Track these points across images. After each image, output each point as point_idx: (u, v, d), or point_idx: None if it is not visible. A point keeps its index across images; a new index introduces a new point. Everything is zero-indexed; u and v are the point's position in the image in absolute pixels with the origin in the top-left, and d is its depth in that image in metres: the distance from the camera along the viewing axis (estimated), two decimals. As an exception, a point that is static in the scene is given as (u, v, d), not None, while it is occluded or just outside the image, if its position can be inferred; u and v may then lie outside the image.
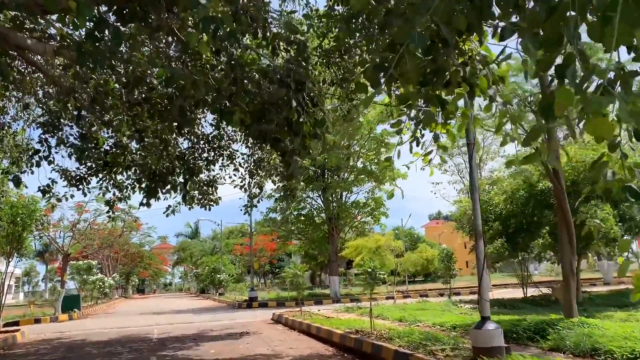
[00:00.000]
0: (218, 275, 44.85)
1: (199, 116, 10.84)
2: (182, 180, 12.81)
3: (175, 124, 8.36)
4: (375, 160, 29.78)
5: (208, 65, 6.87)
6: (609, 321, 9.77)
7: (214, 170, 15.32)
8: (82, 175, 13.60)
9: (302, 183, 15.82)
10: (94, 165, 13.37)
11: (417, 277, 55.65)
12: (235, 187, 15.46)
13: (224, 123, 12.81)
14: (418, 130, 5.79)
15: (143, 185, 12.95)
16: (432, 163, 5.89)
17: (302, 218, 30.93)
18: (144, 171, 11.59)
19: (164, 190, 12.35)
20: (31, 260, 72.07)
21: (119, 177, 13.98)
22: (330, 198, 29.49)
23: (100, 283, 37.19)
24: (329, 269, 28.45)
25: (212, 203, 15.45)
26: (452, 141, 5.32)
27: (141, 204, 12.40)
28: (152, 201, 12.77)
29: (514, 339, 8.60)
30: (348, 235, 32.72)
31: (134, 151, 12.05)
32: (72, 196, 13.87)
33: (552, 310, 13.89)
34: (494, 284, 33.40)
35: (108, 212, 14.34)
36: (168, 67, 7.07)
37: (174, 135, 10.45)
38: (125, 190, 14.74)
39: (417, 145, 5.22)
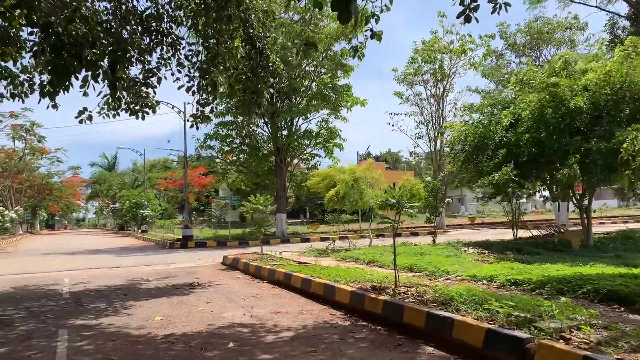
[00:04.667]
0: (141, 211, 40.14)
1: None
2: (108, 63, 8.55)
3: None
4: (330, 85, 26.06)
5: None
6: None
7: (149, 63, 11.08)
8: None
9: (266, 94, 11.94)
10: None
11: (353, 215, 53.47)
12: (179, 88, 11.33)
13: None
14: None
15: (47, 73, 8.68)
16: None
17: (246, 148, 26.88)
18: (48, 37, 7.17)
19: (79, 75, 8.07)
20: None
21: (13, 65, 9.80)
22: (279, 125, 25.57)
23: (-1, 217, 31.59)
24: (277, 205, 25.03)
25: (147, 109, 11.32)
26: None
27: (43, 93, 8.05)
28: (60, 96, 8.55)
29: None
30: (296, 170, 29.28)
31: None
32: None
33: (576, 255, 11.41)
34: (448, 225, 31.69)
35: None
36: None
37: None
38: (20, 85, 10.40)
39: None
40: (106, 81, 8.49)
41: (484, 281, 7.80)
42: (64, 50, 7.38)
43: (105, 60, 8.53)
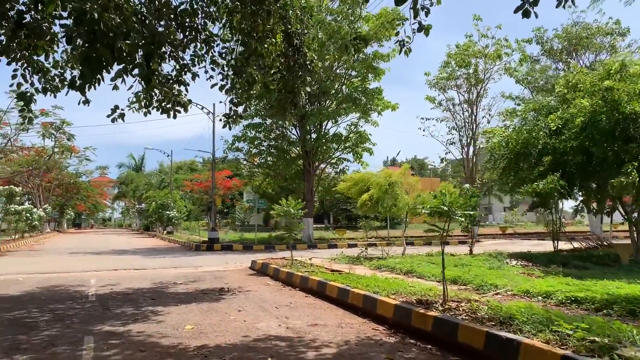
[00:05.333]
0: (167, 212, 40.16)
1: None
2: (142, 55, 8.20)
3: None
4: (361, 88, 25.50)
5: None
6: None
7: (183, 60, 10.75)
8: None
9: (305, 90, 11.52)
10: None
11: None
12: (212, 87, 10.99)
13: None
14: None
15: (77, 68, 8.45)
16: None
17: (274, 151, 26.52)
18: (80, 24, 6.82)
19: (112, 67, 7.73)
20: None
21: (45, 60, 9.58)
22: (308, 128, 25.13)
23: (28, 214, 31.82)
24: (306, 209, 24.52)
25: (179, 107, 10.99)
26: None
27: (71, 85, 7.70)
28: (91, 92, 8.26)
29: None
30: (323, 174, 28.77)
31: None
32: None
33: (628, 271, 10.60)
34: (479, 234, 30.72)
35: (22, 110, 9.48)
36: None
37: None
38: (51, 80, 10.11)
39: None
40: (139, 77, 8.15)
41: (539, 297, 7.15)
42: (97, 40, 7.04)
43: (139, 54, 8.21)
